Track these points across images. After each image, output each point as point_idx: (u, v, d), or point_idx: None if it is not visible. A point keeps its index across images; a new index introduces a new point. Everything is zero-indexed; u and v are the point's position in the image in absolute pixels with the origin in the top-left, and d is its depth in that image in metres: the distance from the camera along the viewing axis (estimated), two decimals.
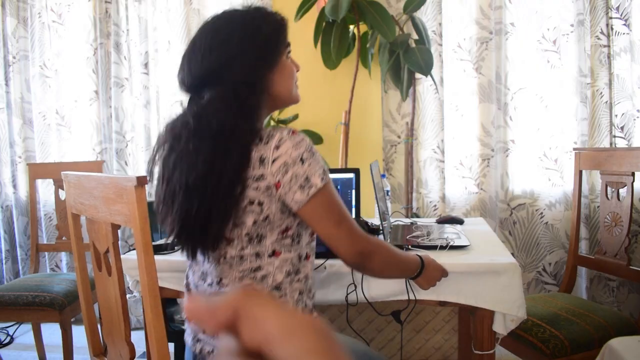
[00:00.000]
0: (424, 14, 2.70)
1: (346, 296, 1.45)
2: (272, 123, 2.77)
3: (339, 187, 1.84)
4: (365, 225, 1.57)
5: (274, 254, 1.13)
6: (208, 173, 1.04)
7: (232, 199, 1.05)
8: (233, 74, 1.10)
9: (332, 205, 1.11)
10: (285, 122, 2.77)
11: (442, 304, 1.45)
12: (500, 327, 1.41)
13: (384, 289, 1.42)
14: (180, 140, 1.07)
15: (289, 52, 1.21)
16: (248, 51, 1.11)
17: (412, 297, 1.41)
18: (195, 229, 1.06)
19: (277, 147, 1.06)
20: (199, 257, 1.16)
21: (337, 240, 1.11)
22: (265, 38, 1.13)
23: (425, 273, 1.29)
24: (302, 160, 1.06)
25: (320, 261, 1.44)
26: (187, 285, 1.24)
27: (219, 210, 1.05)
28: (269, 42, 1.14)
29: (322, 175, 1.09)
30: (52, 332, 2.75)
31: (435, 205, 2.75)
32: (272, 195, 1.08)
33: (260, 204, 1.07)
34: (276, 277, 1.14)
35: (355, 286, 1.44)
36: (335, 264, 1.45)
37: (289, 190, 1.07)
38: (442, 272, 1.34)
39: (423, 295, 1.42)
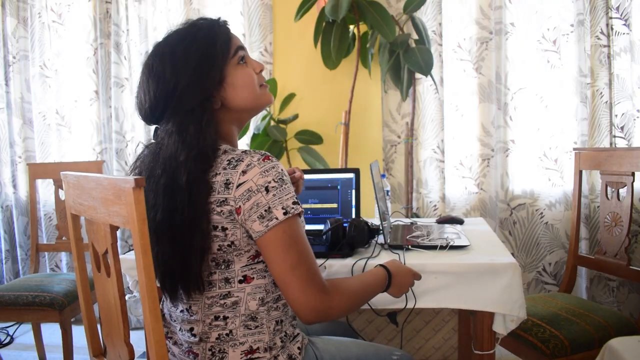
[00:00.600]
0: (424, 14, 2.70)
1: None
2: (272, 123, 2.77)
3: (338, 187, 1.84)
4: (365, 225, 1.56)
5: (245, 279, 1.07)
6: (172, 211, 1.02)
7: (201, 233, 1.01)
8: (180, 100, 1.06)
9: (292, 245, 1.01)
10: (285, 122, 2.78)
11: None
12: (500, 327, 1.41)
13: (382, 295, 1.42)
14: (149, 180, 1.07)
15: (241, 56, 1.12)
16: (187, 74, 1.05)
17: (411, 305, 1.40)
18: (175, 273, 1.05)
19: (244, 172, 1.00)
20: None
21: (288, 288, 1.01)
22: (200, 55, 1.06)
23: (394, 283, 1.23)
24: (266, 190, 1.00)
25: (320, 261, 1.44)
26: (162, 312, 1.20)
27: (191, 248, 1.02)
28: (204, 58, 1.06)
29: (287, 208, 1.01)
30: (52, 332, 2.76)
31: (435, 205, 2.75)
32: (234, 220, 1.02)
33: (224, 229, 1.02)
34: (249, 305, 1.08)
35: None
36: (335, 264, 1.45)
37: (248, 218, 1.01)
38: (414, 276, 1.28)
39: (423, 303, 1.41)
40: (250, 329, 1.08)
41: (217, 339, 1.08)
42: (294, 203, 1.03)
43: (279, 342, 1.12)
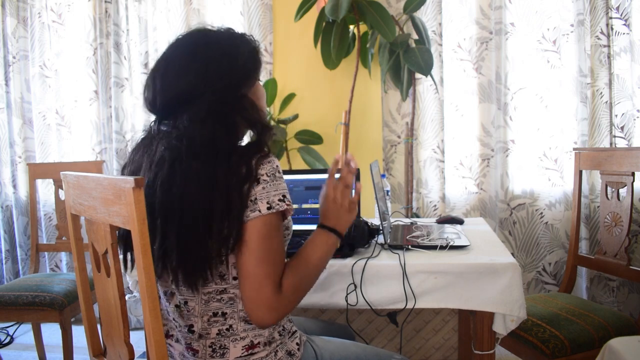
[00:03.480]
0: (424, 14, 2.70)
1: (346, 296, 1.44)
2: (272, 123, 2.77)
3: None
4: (365, 225, 1.56)
5: (236, 278, 1.06)
6: (198, 195, 1.00)
7: (236, 220, 1.00)
8: (214, 93, 1.07)
9: (265, 240, 1.02)
10: (285, 122, 2.78)
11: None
12: (501, 327, 1.41)
13: (383, 295, 1.41)
14: (172, 162, 1.03)
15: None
16: (229, 72, 1.08)
17: (410, 305, 1.40)
18: (194, 251, 1.01)
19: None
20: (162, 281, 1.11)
21: (246, 281, 1.01)
22: (245, 60, 1.11)
23: (338, 231, 1.17)
24: (258, 181, 1.02)
25: None
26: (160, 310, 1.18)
27: (220, 235, 1.00)
28: (247, 64, 1.12)
29: (271, 203, 1.02)
30: (52, 332, 2.76)
31: (435, 205, 2.75)
32: None
33: None
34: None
35: (355, 286, 1.44)
36: (335, 264, 1.45)
37: None
38: (348, 210, 1.19)
39: (423, 303, 1.42)
40: (250, 323, 1.08)
41: (217, 334, 1.08)
42: (280, 200, 1.03)
43: (278, 336, 1.12)
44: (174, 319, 1.14)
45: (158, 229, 1.03)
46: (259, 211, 1.01)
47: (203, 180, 1.01)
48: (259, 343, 1.09)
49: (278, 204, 1.03)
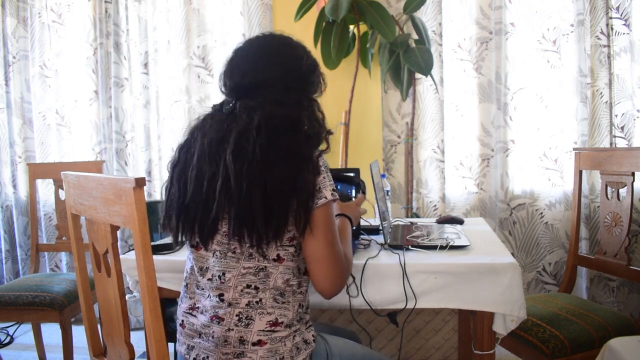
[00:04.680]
0: (424, 14, 2.70)
1: (349, 298, 1.44)
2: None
3: (339, 186, 1.84)
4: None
5: (278, 259, 1.14)
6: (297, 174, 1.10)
7: (307, 192, 1.11)
8: (296, 87, 1.22)
9: (332, 223, 1.16)
10: None
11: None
12: (501, 327, 1.41)
13: (383, 295, 1.41)
14: (257, 137, 1.11)
15: None
16: (309, 75, 1.24)
17: (411, 305, 1.40)
18: (278, 213, 1.09)
19: None
20: (204, 252, 1.18)
21: (320, 262, 1.13)
22: (319, 75, 1.28)
23: (354, 221, 1.43)
24: (319, 172, 1.14)
25: None
26: (186, 286, 1.25)
27: (299, 202, 1.10)
28: (319, 78, 1.28)
29: (332, 191, 1.15)
30: (52, 332, 2.76)
31: (435, 205, 2.75)
32: None
33: None
34: (277, 282, 1.15)
35: (357, 286, 1.44)
36: None
37: None
38: (357, 206, 1.49)
39: (423, 303, 1.42)
40: (278, 302, 1.15)
41: (247, 305, 1.14)
42: (333, 190, 1.16)
43: (297, 322, 1.18)
44: (204, 290, 1.19)
45: (234, 192, 1.09)
46: (325, 198, 1.13)
47: (292, 156, 1.12)
48: (282, 322, 1.15)
49: (333, 193, 1.15)
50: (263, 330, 1.13)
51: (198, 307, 1.20)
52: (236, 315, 1.14)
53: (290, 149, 1.12)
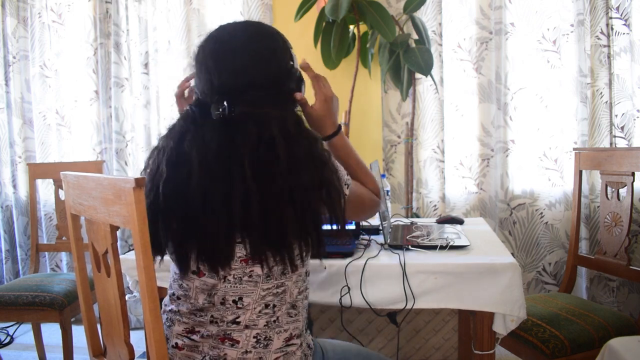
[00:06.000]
0: (424, 14, 2.70)
1: (340, 299, 1.44)
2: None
3: None
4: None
5: (294, 267, 1.10)
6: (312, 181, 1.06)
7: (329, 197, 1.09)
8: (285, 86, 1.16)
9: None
10: None
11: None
12: (501, 328, 1.41)
13: (382, 295, 1.41)
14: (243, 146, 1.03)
15: None
16: (296, 72, 1.19)
17: (410, 305, 1.40)
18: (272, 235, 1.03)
19: None
20: (208, 279, 1.08)
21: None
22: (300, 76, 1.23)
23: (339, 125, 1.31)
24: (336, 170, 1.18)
25: (319, 261, 1.44)
26: (177, 308, 1.13)
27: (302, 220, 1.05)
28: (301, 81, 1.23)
29: (346, 176, 1.19)
30: (52, 332, 2.75)
31: (435, 205, 2.75)
32: None
33: None
34: (292, 293, 1.12)
35: (349, 288, 1.44)
36: (335, 264, 1.45)
37: None
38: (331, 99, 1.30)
39: (423, 303, 1.42)
40: (292, 316, 1.13)
41: (265, 325, 1.10)
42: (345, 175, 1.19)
43: (304, 330, 1.17)
44: (206, 313, 1.10)
45: (257, 212, 1.01)
46: (347, 185, 1.18)
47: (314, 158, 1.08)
48: (295, 335, 1.13)
49: (347, 178, 1.20)
50: (280, 348, 1.10)
51: (199, 331, 1.11)
52: (254, 337, 1.08)
53: (310, 156, 1.06)
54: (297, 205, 1.03)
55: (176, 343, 1.12)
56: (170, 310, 1.15)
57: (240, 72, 1.08)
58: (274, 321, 1.10)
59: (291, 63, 1.16)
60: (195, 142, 1.05)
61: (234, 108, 1.06)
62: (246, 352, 1.08)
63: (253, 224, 1.01)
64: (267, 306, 1.09)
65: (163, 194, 1.04)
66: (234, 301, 1.08)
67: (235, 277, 1.07)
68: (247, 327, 1.09)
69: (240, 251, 1.05)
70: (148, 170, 1.11)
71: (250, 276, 1.07)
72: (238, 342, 1.08)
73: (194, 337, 1.11)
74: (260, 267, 1.06)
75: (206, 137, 1.05)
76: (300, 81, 1.19)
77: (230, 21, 1.16)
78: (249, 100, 1.08)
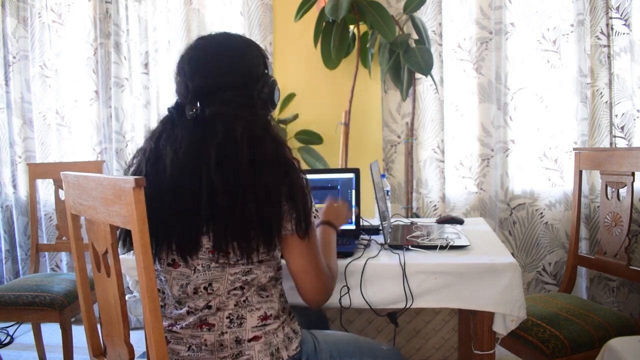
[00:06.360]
0: (424, 14, 2.70)
1: (340, 299, 1.44)
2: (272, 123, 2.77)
3: (339, 186, 1.84)
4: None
5: (261, 261, 1.15)
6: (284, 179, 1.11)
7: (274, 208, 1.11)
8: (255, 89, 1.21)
9: (314, 236, 1.20)
10: (285, 122, 2.77)
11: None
12: (501, 328, 1.41)
13: (382, 295, 1.41)
14: (232, 146, 1.10)
15: None
16: (268, 79, 1.24)
17: (409, 304, 1.40)
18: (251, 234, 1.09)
19: None
20: (183, 269, 1.15)
21: (305, 276, 1.19)
22: (274, 82, 1.29)
23: (337, 228, 1.44)
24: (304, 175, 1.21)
25: None
26: (163, 309, 1.21)
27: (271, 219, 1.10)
28: (275, 84, 1.29)
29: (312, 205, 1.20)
30: (52, 332, 2.76)
31: (435, 205, 2.75)
32: None
33: None
34: (261, 280, 1.16)
35: (349, 288, 1.44)
36: None
37: None
38: (345, 214, 1.51)
39: (423, 303, 1.42)
40: (262, 297, 1.17)
41: (235, 305, 1.14)
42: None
43: (282, 313, 1.20)
44: (184, 305, 1.17)
45: (221, 205, 1.07)
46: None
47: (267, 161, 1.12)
48: (270, 315, 1.17)
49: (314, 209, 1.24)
50: (256, 326, 1.15)
51: (179, 323, 1.18)
52: (227, 318, 1.14)
53: (275, 155, 1.12)
54: (260, 201, 1.08)
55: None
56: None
57: (211, 75, 1.16)
58: (244, 301, 1.14)
59: (265, 71, 1.24)
60: (169, 141, 1.15)
61: (206, 109, 1.15)
62: (222, 333, 1.14)
63: (217, 217, 1.08)
64: (235, 288, 1.14)
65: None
66: (204, 288, 1.14)
67: (204, 265, 1.13)
68: (218, 309, 1.14)
69: (208, 242, 1.11)
70: (132, 170, 1.20)
71: (217, 262, 1.12)
72: (213, 325, 1.14)
73: (176, 328, 1.18)
74: (226, 257, 1.11)
75: (179, 136, 1.14)
76: (272, 89, 1.24)
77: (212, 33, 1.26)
78: (219, 101, 1.15)
